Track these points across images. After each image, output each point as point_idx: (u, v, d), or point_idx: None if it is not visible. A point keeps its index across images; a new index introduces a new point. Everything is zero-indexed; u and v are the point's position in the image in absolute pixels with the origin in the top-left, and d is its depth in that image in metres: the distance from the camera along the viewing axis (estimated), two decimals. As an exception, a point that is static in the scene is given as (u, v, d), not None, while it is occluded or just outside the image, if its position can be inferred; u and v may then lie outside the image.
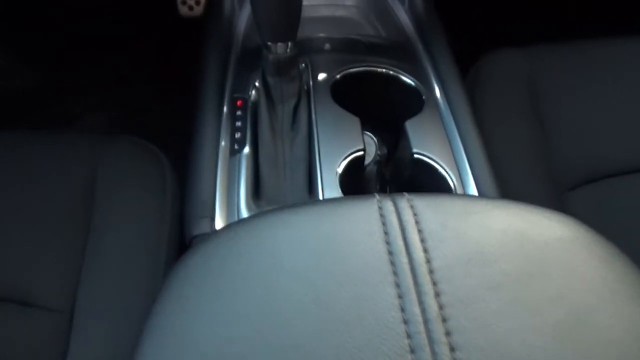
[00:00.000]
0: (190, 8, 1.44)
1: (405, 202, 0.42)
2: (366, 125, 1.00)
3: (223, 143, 0.80)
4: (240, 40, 1.01)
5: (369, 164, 0.88)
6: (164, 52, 1.75)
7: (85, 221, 0.83)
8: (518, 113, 1.01)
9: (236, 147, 0.80)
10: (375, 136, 0.95)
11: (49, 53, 1.68)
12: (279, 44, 0.79)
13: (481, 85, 1.05)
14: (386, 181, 0.90)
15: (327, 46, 0.98)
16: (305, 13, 1.13)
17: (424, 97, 0.87)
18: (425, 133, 0.82)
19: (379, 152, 0.90)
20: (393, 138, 0.98)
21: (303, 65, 0.93)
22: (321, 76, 0.90)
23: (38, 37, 1.66)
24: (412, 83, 0.90)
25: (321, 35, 1.02)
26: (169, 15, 1.67)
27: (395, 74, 0.91)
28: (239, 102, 0.87)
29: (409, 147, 0.80)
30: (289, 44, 0.80)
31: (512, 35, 1.16)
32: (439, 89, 0.90)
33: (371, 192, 0.86)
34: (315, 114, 0.83)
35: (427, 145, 0.80)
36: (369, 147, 0.89)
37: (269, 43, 0.79)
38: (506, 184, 0.80)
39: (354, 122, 0.82)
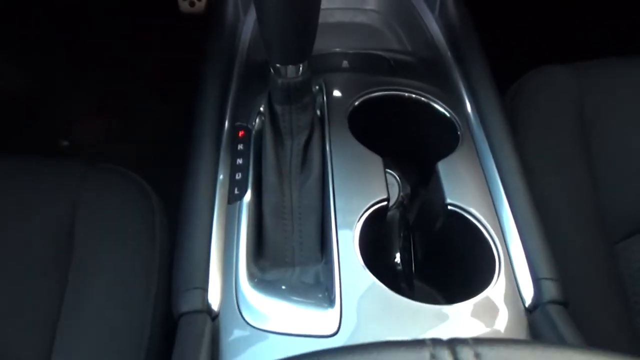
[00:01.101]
0: (192, 4, 1.32)
1: (468, 351, 0.30)
2: (388, 157, 0.87)
3: (220, 187, 0.67)
4: (244, 52, 0.88)
5: (391, 207, 0.76)
6: (165, 52, 1.64)
7: (63, 271, 0.72)
8: (565, 144, 0.88)
9: (236, 191, 0.67)
10: (398, 172, 0.82)
11: (44, 54, 1.57)
12: (290, 66, 0.67)
13: (523, 108, 0.91)
14: (409, 227, 0.77)
15: (345, 64, 0.84)
16: (320, 18, 1.00)
17: (459, 132, 0.73)
18: (461, 178, 0.68)
19: (402, 194, 0.77)
20: (419, 174, 0.85)
21: (317, 87, 0.80)
22: (338, 102, 0.77)
23: (33, 37, 1.55)
24: (446, 113, 0.77)
25: (338, 50, 0.88)
26: (170, 12, 1.57)
27: (426, 100, 0.78)
28: (241, 133, 0.75)
29: (441, 195, 0.67)
30: (301, 65, 0.67)
31: (556, 49, 1.02)
32: (476, 119, 0.76)
33: (393, 242, 0.74)
34: (331, 152, 0.70)
35: (464, 195, 0.67)
36: (392, 187, 0.76)
37: (278, 65, 0.66)
38: (553, 233, 0.67)
39: (377, 162, 0.69)
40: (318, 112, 0.79)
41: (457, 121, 0.75)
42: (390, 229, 0.74)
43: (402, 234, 0.75)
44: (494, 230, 0.64)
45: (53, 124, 1.53)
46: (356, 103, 0.77)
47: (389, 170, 0.78)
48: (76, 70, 1.56)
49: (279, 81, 0.67)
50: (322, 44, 0.91)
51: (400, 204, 0.77)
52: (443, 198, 0.66)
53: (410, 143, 0.84)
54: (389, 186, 0.76)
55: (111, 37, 1.57)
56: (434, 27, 0.94)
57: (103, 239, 0.73)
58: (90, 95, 1.58)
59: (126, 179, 0.82)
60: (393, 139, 0.85)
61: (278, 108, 0.70)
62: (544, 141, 0.87)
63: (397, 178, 0.78)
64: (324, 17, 1.05)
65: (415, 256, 0.76)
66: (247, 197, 0.66)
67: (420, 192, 0.84)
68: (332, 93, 0.78)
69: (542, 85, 0.93)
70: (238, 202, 0.66)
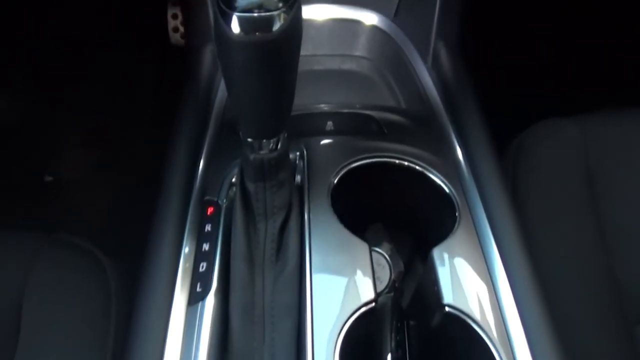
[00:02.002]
0: (183, 36, 1.25)
1: None
2: (377, 224, 0.78)
3: (181, 282, 0.58)
4: (220, 111, 0.79)
5: (381, 292, 0.66)
6: (156, 83, 1.57)
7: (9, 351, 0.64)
8: (573, 211, 0.80)
9: (199, 288, 0.58)
10: (388, 244, 0.73)
11: (36, 85, 1.50)
12: (264, 140, 0.58)
13: (526, 167, 0.83)
14: (403, 314, 0.68)
15: (329, 125, 0.75)
16: (304, 65, 0.91)
17: (457, 213, 0.64)
18: (459, 270, 0.59)
19: (393, 276, 0.68)
20: (413, 243, 0.76)
21: (297, 153, 0.71)
22: (320, 173, 0.68)
23: (23, 68, 1.49)
24: (442, 185, 0.68)
25: (322, 106, 0.79)
26: (160, 44, 1.50)
27: (420, 169, 0.69)
28: (209, 210, 0.66)
29: (438, 292, 0.58)
30: (278, 138, 0.58)
31: (555, 100, 0.94)
32: (475, 193, 0.67)
33: (383, 339, 0.65)
34: (310, 238, 0.61)
35: (463, 294, 0.58)
36: (382, 271, 0.67)
37: (250, 140, 0.58)
38: (566, 329, 0.58)
39: (363, 251, 0.60)
40: (298, 178, 0.70)
41: (454, 196, 0.66)
42: (381, 322, 0.65)
43: (394, 324, 0.66)
44: (499, 336, 0.55)
45: (38, 158, 1.46)
46: (341, 173, 0.68)
47: (377, 249, 0.69)
48: (63, 102, 1.49)
49: (251, 157, 0.59)
50: (306, 96, 0.83)
51: (392, 287, 0.68)
52: (440, 297, 0.57)
53: (402, 212, 0.75)
54: (378, 268, 0.67)
55: (100, 73, 1.51)
56: (427, 79, 0.86)
57: (53, 314, 0.66)
58: (77, 126, 1.51)
59: (79, 252, 0.74)
60: (383, 207, 0.76)
61: (250, 186, 0.61)
62: (550, 208, 0.79)
63: (387, 258, 0.68)
64: (309, 64, 0.97)
65: (410, 350, 0.67)
66: (211, 296, 0.57)
67: (415, 267, 0.75)
68: (314, 161, 0.69)
69: (546, 140, 0.85)
70: (200, 303, 0.56)
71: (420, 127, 0.77)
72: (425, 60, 0.88)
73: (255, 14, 0.47)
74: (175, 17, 1.07)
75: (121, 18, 1.52)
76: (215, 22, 0.52)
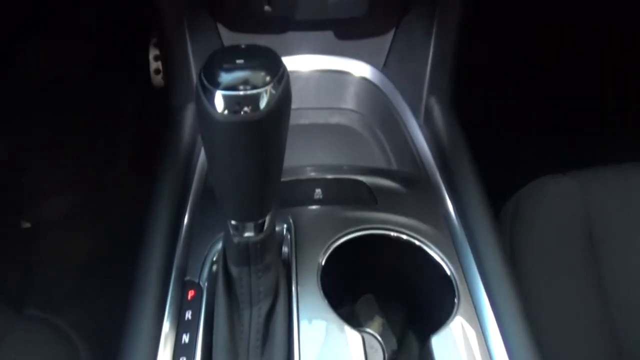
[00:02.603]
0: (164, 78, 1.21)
1: None
2: (369, 295, 0.74)
3: None
4: (201, 180, 0.75)
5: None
6: (136, 125, 1.53)
7: None
8: (575, 274, 0.77)
9: None
10: (380, 329, 0.69)
11: (11, 129, 1.45)
12: (247, 223, 0.54)
13: (525, 228, 0.80)
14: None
15: (317, 193, 0.72)
16: (290, 119, 0.88)
17: (455, 299, 0.60)
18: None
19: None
20: (407, 317, 0.72)
21: (284, 225, 0.67)
22: (309, 249, 0.64)
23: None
24: (440, 261, 0.65)
25: (309, 171, 0.76)
26: (141, 86, 1.47)
27: (418, 244, 0.66)
28: (190, 293, 0.61)
29: None
30: (264, 220, 0.54)
31: (550, 158, 0.92)
32: (474, 270, 0.64)
33: None
34: (299, 326, 0.57)
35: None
36: (375, 354, 0.63)
37: (233, 222, 0.54)
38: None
39: (355, 343, 0.56)
40: (285, 250, 0.66)
41: (453, 276, 0.63)
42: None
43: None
44: None
45: (15, 203, 1.40)
46: (331, 249, 0.65)
47: (369, 331, 0.65)
48: (41, 144, 1.44)
49: (235, 240, 0.55)
50: (293, 154, 0.78)
51: (385, 371, 0.64)
52: None
53: (395, 285, 0.71)
54: (371, 351, 0.63)
55: (79, 116, 1.47)
56: (419, 137, 0.83)
57: None
58: (55, 171, 1.46)
59: (53, 335, 0.69)
60: (375, 279, 0.73)
61: (234, 270, 0.57)
62: (551, 274, 0.76)
63: (379, 339, 0.64)
64: (295, 118, 0.94)
65: None
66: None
67: (409, 345, 0.71)
68: (302, 236, 0.65)
69: (544, 200, 0.82)
70: None
71: (413, 193, 0.74)
72: (417, 116, 0.85)
73: (241, 92, 0.44)
74: (157, 58, 1.04)
75: (100, 59, 1.49)
76: (197, 97, 0.49)
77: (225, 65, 0.48)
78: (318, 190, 0.72)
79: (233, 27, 0.92)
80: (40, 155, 1.45)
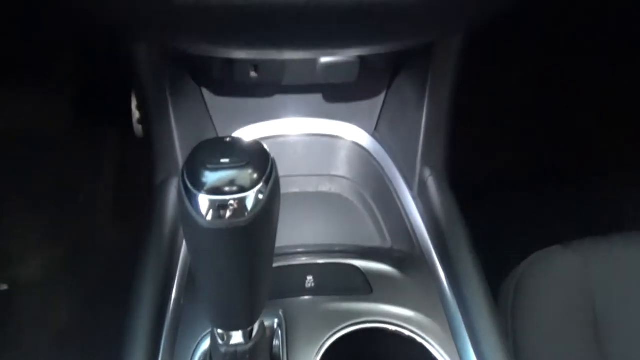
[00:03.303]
0: None
1: None
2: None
3: None
4: (186, 266, 0.71)
5: None
6: (117, 176, 1.48)
7: None
8: (579, 352, 0.73)
9: None
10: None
11: None
12: (233, 332, 0.50)
13: (527, 307, 0.77)
14: None
15: (309, 281, 0.68)
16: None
17: None
18: None
19: None
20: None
21: (275, 320, 0.63)
22: (301, 349, 0.60)
23: None
24: (439, 357, 0.61)
25: (300, 254, 0.72)
26: (121, 135, 1.42)
27: (420, 341, 0.62)
28: None
29: None
30: (253, 327, 0.50)
31: (547, 228, 0.89)
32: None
33: None
34: None
35: None
36: None
37: (220, 331, 0.50)
38: None
39: None
40: (276, 343, 0.62)
41: None
42: None
43: None
44: None
45: None
46: (325, 347, 0.60)
47: None
48: (16, 200, 1.38)
49: (222, 349, 0.51)
50: (281, 228, 0.75)
51: None
52: None
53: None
54: None
55: (56, 161, 1.42)
56: (413, 210, 0.79)
57: None
58: (32, 226, 1.40)
59: None
60: None
61: None
62: (556, 357, 0.72)
63: None
64: (284, 187, 0.89)
65: None
66: None
67: None
68: (294, 334, 0.61)
69: (546, 276, 0.79)
70: None
71: (409, 277, 0.70)
72: (410, 187, 0.81)
73: (227, 196, 0.41)
74: (140, 107, 1.00)
75: (79, 106, 1.44)
76: (180, 199, 0.45)
77: (209, 165, 0.45)
78: (310, 278, 0.68)
79: (218, 91, 0.89)
80: (16, 210, 1.40)
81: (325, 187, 0.89)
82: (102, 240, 1.38)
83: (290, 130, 0.91)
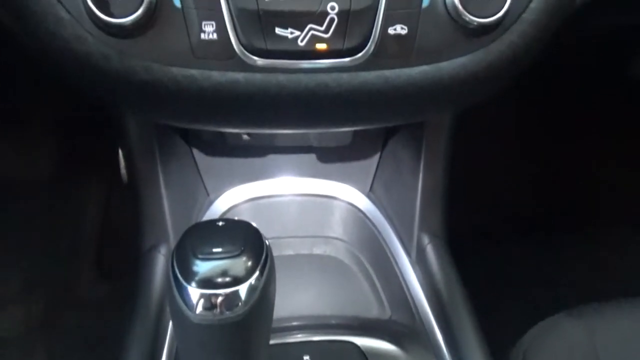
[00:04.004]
0: None
1: None
2: None
3: None
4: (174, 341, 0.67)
5: None
6: (100, 226, 1.44)
7: None
8: None
9: None
10: None
11: None
12: None
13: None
14: None
15: (306, 361, 0.64)
16: (272, 250, 0.80)
17: None
18: None
19: None
20: None
21: None
22: None
23: None
24: None
25: (296, 334, 0.68)
26: (105, 182, 1.39)
27: None
28: None
29: None
30: None
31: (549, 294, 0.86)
32: None
33: None
34: None
35: None
36: None
37: None
38: None
39: None
40: None
41: None
42: None
43: None
44: None
45: None
46: None
47: None
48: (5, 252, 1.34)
49: None
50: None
51: None
52: None
53: None
54: None
55: (37, 210, 1.37)
56: (412, 278, 0.76)
57: None
58: (12, 278, 1.34)
59: None
60: None
61: None
62: None
63: None
64: (277, 249, 0.85)
65: None
66: None
67: None
68: None
69: (549, 350, 0.75)
70: None
71: (410, 353, 0.67)
72: (408, 253, 0.79)
73: (219, 290, 0.39)
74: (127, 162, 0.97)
75: (62, 156, 1.41)
76: (169, 290, 0.42)
77: (199, 255, 0.42)
78: (306, 358, 0.64)
79: (209, 151, 0.87)
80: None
81: (320, 249, 0.86)
82: (83, 294, 1.33)
83: (283, 190, 0.89)
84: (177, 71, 0.48)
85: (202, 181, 0.86)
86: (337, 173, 0.89)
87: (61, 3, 0.46)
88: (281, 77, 0.49)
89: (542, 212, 1.34)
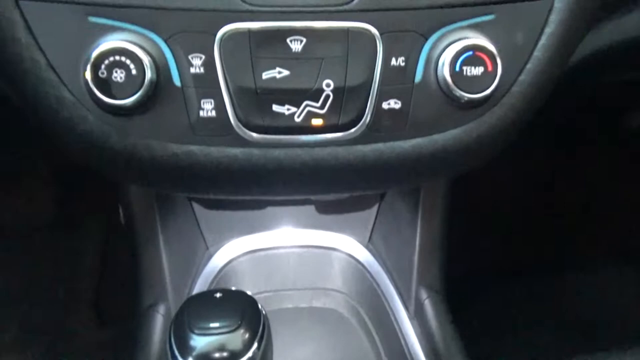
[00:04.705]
0: None
1: None
2: None
3: None
4: None
5: None
6: (98, 269, 1.44)
7: None
8: None
9: None
10: None
11: None
12: None
13: None
14: None
15: None
16: (270, 304, 0.81)
17: None
18: None
19: None
20: None
21: None
22: None
23: None
24: None
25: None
26: (103, 225, 1.39)
27: None
28: None
29: None
30: None
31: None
32: None
33: None
34: None
35: None
36: None
37: None
38: None
39: None
40: None
41: None
42: None
43: None
44: None
45: None
46: None
47: None
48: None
49: None
50: (274, 348, 0.72)
51: None
52: None
53: None
54: None
55: (35, 252, 1.37)
56: (410, 333, 0.76)
57: None
58: (9, 321, 1.33)
59: None
60: None
61: None
62: None
63: None
64: (276, 302, 0.87)
65: None
66: None
67: None
68: None
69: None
70: None
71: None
72: (407, 307, 0.79)
73: None
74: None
75: (62, 204, 1.42)
76: None
77: (196, 330, 0.43)
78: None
79: (209, 205, 0.87)
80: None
81: (320, 301, 0.86)
82: (80, 342, 1.32)
83: (282, 241, 0.89)
84: (177, 148, 0.49)
85: (202, 234, 0.87)
86: (336, 224, 0.89)
87: (64, 84, 0.47)
88: (278, 152, 0.50)
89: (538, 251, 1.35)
